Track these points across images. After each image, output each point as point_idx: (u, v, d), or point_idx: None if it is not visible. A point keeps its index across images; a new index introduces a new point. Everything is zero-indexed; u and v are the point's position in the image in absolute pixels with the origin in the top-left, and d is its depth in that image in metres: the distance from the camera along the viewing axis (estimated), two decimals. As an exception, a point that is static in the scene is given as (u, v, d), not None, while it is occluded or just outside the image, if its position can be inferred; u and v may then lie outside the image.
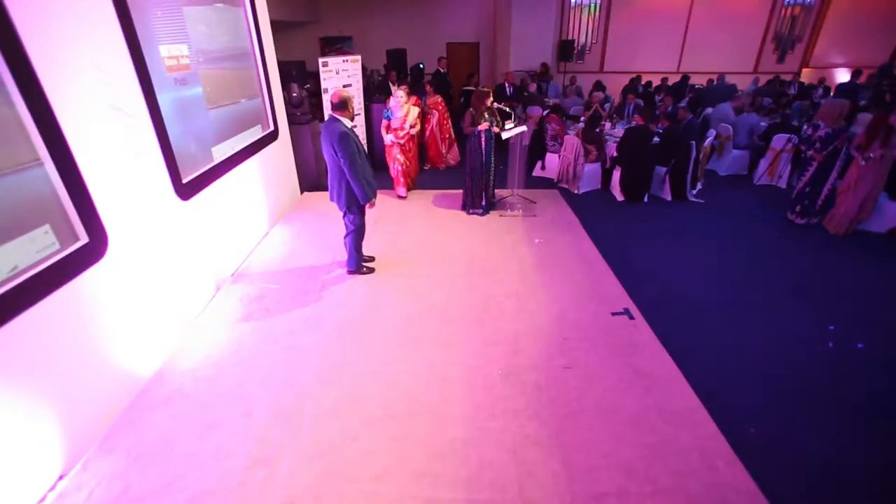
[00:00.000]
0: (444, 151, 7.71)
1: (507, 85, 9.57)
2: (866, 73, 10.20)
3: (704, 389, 2.86)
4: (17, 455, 2.13)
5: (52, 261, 2.32)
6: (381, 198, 5.19)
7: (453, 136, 7.81)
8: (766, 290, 4.12)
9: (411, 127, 5.89)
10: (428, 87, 7.58)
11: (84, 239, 2.53)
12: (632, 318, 3.58)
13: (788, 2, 11.66)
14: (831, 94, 9.01)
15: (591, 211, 5.83)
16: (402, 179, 6.17)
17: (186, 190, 3.52)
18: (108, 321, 2.70)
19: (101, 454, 2.47)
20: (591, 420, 2.65)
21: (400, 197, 6.21)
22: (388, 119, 5.89)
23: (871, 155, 4.82)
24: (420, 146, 7.29)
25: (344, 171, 3.67)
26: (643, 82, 10.44)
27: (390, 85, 8.15)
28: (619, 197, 6.31)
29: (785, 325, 3.64)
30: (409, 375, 3.01)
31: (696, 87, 10.41)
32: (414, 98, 7.34)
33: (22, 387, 2.16)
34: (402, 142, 5.92)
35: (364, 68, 8.12)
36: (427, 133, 7.51)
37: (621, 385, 2.91)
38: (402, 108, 5.83)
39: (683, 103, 7.60)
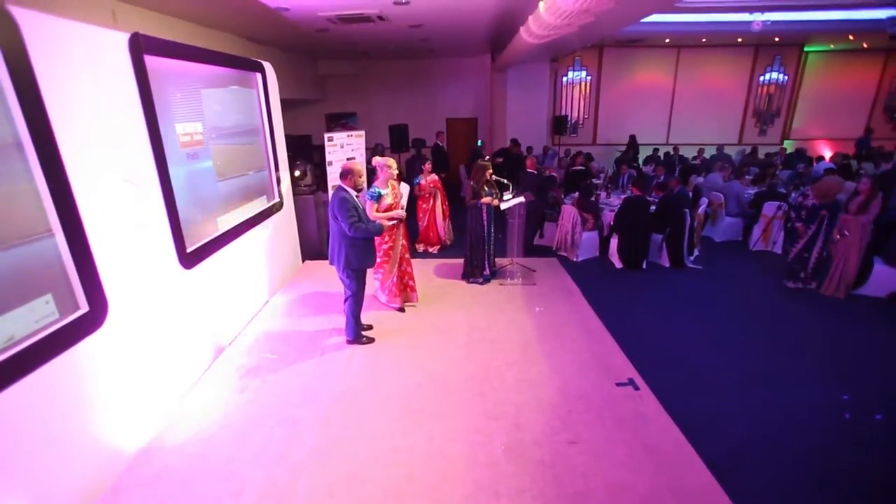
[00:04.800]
0: (442, 235, 7.13)
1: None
2: (841, 146, 10.82)
3: (717, 464, 2.73)
4: (-13, 543, 1.99)
5: (50, 331, 2.30)
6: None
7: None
8: (772, 358, 4.05)
9: (390, 208, 4.37)
10: (426, 166, 6.86)
11: (84, 308, 2.52)
12: (637, 388, 3.49)
13: (763, 81, 12.52)
14: (813, 164, 9.43)
15: (590, 278, 5.87)
16: (411, 282, 4.93)
17: (190, 259, 3.57)
18: (100, 392, 2.63)
19: (77, 542, 2.30)
20: (600, 500, 2.50)
21: (401, 309, 4.86)
22: (377, 199, 4.31)
23: (847, 233, 5.12)
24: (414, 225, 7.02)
25: (343, 234, 3.80)
26: (629, 149, 10.99)
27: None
28: (618, 264, 6.37)
29: (796, 394, 3.53)
30: (408, 451, 2.88)
31: (689, 159, 10.89)
32: (432, 177, 6.82)
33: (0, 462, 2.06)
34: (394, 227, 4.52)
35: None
36: (428, 217, 6.94)
37: (630, 462, 2.77)
38: (388, 183, 4.43)
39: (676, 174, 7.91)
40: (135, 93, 3.00)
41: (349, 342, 4.20)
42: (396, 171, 4.45)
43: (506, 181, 5.60)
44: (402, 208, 4.41)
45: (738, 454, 2.92)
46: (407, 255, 4.79)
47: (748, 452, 2.95)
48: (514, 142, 10.91)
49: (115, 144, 2.81)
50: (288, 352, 4.09)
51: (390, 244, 4.66)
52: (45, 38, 2.31)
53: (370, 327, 4.42)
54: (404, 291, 4.90)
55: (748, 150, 11.46)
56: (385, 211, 4.36)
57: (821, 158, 10.05)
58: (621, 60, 12.40)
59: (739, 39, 11.19)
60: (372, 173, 4.67)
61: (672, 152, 11.20)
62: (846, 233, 5.12)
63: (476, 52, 10.99)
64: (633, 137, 12.20)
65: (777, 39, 11.19)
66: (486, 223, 5.43)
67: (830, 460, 2.89)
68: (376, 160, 4.50)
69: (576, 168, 9.32)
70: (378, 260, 4.59)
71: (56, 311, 2.38)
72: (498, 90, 11.93)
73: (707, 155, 10.72)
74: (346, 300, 4.10)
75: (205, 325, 3.84)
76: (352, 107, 12.31)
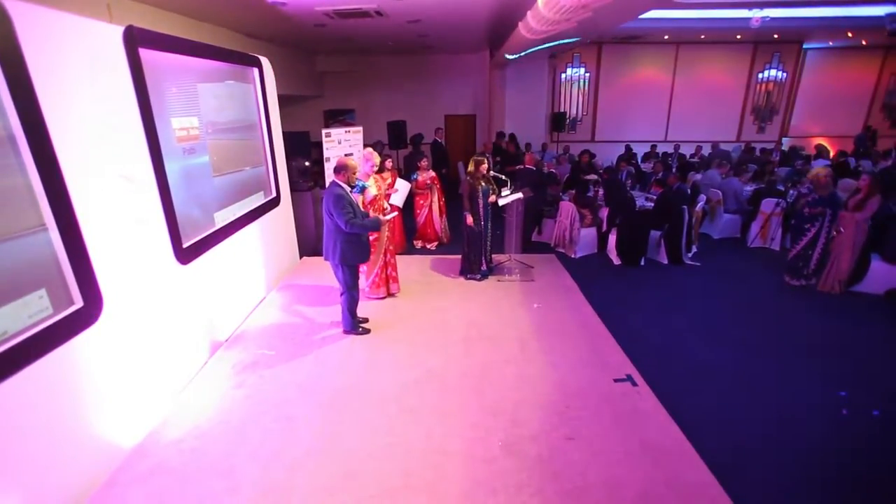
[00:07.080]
0: (439, 232, 7.13)
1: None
2: (840, 143, 10.82)
3: (715, 461, 2.72)
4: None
5: (43, 326, 2.28)
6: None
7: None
8: (769, 354, 4.05)
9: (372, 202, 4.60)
10: (423, 163, 6.84)
11: (79, 303, 2.50)
12: (635, 384, 3.49)
13: (762, 78, 12.51)
14: (811, 162, 9.43)
15: (588, 275, 5.86)
16: (394, 274, 5.06)
17: (186, 254, 3.55)
18: (95, 388, 2.61)
19: (72, 538, 2.29)
20: (598, 497, 2.50)
21: (386, 296, 5.05)
22: (361, 191, 4.46)
23: (842, 230, 5.15)
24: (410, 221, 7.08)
25: (337, 230, 3.81)
26: (629, 152, 10.95)
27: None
28: (616, 261, 6.37)
29: (793, 391, 3.54)
30: (405, 448, 2.87)
31: (688, 156, 10.87)
32: (428, 174, 6.82)
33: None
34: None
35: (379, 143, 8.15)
36: (425, 214, 6.97)
37: (628, 458, 2.77)
38: (371, 176, 4.67)
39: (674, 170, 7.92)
40: (130, 87, 2.96)
41: (345, 332, 4.21)
42: (377, 167, 4.79)
43: (503, 177, 5.58)
44: (392, 203, 4.52)
45: (735, 450, 2.92)
46: (391, 247, 4.94)
47: (746, 448, 2.95)
48: (511, 137, 10.67)
49: (110, 138, 2.78)
50: (285, 348, 4.07)
51: (376, 236, 4.74)
52: (38, 30, 2.28)
53: (366, 320, 4.42)
54: (387, 283, 5.02)
55: (742, 146, 11.47)
56: (370, 202, 4.62)
57: (818, 156, 10.04)
58: (620, 57, 12.37)
59: (738, 36, 11.18)
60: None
61: (672, 151, 11.15)
62: (841, 229, 5.13)
63: (475, 48, 10.94)
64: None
65: (776, 36, 11.17)
66: (483, 219, 5.41)
67: (827, 456, 2.89)
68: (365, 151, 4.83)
69: (585, 177, 9.14)
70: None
71: (50, 306, 2.36)
72: (497, 86, 11.90)
73: (705, 152, 10.72)
74: (341, 294, 4.11)
75: (201, 320, 3.82)
76: (350, 103, 12.26)
